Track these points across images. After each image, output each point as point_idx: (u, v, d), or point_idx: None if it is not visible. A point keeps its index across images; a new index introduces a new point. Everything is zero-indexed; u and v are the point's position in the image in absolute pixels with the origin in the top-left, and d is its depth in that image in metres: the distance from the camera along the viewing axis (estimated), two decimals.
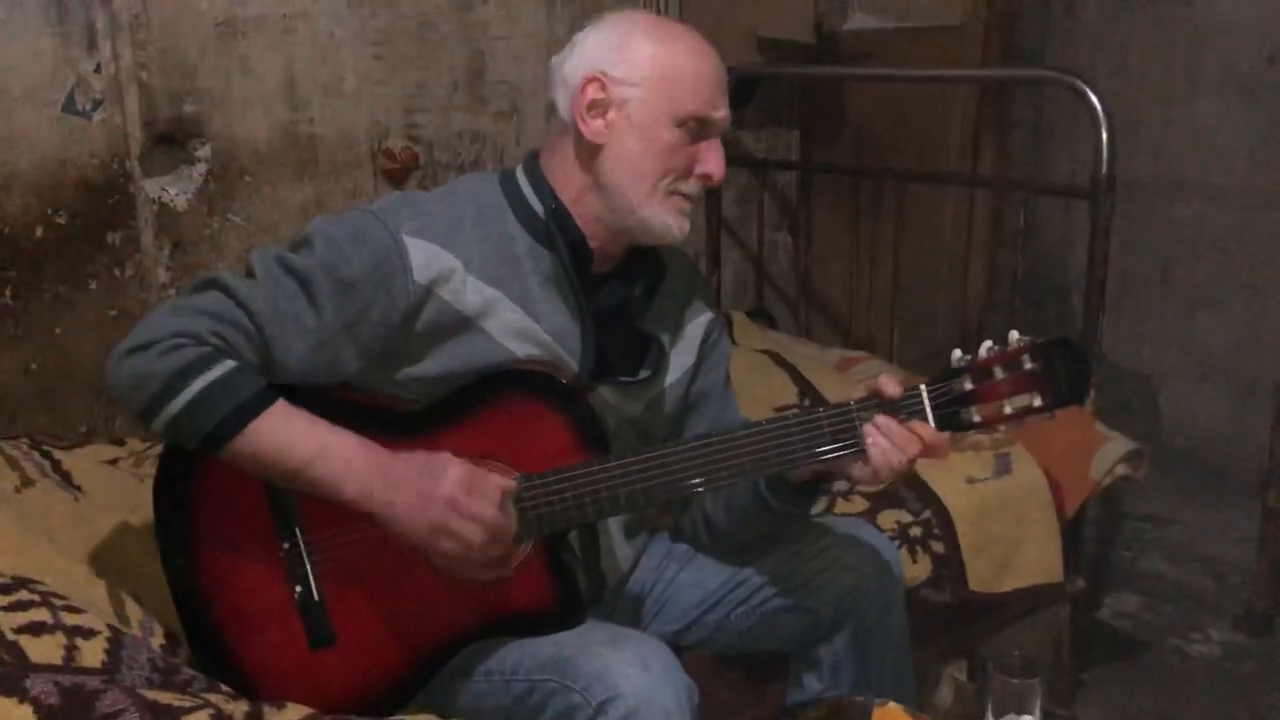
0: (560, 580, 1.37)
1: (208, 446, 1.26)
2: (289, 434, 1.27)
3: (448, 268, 1.33)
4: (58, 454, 1.72)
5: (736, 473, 1.33)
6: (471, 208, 1.38)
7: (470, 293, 1.34)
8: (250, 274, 1.32)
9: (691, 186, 1.39)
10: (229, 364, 1.26)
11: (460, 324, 1.34)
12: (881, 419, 1.30)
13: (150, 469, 1.39)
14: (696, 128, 1.36)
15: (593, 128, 1.36)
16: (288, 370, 1.31)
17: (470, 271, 1.34)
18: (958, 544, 1.96)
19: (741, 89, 2.89)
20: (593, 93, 1.35)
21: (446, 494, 1.25)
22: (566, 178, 1.40)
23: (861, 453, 1.32)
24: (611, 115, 1.35)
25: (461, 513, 1.26)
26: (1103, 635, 2.58)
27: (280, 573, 1.35)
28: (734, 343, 2.49)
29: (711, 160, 1.38)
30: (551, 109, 1.41)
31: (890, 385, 1.32)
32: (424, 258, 1.31)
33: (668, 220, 1.38)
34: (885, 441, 1.29)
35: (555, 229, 1.38)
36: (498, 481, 1.29)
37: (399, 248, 1.30)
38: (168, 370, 1.24)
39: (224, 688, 1.32)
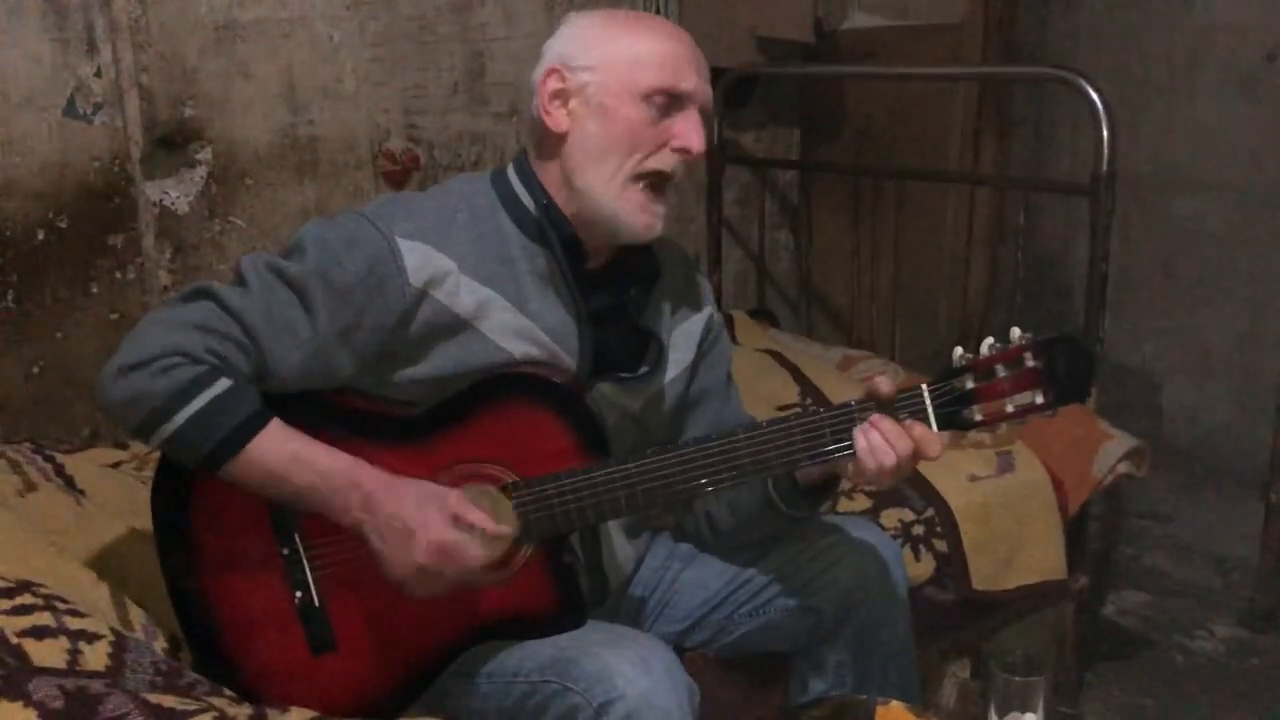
0: (562, 582, 1.37)
1: (203, 468, 1.26)
2: (284, 459, 1.26)
3: (442, 269, 1.32)
4: (60, 458, 1.72)
5: (737, 475, 1.33)
6: (464, 208, 1.38)
7: (465, 293, 1.34)
8: (241, 281, 1.31)
9: (668, 161, 1.35)
10: (224, 384, 1.25)
11: (455, 325, 1.34)
12: (874, 418, 1.30)
13: (152, 472, 1.39)
14: (666, 102, 1.34)
15: (555, 118, 1.36)
16: (283, 378, 1.30)
17: (464, 272, 1.34)
18: (960, 542, 1.96)
19: (741, 88, 2.90)
20: (553, 84, 1.36)
21: (418, 560, 1.26)
22: (547, 176, 1.40)
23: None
24: (573, 104, 1.36)
25: (428, 578, 1.27)
26: (1106, 633, 2.57)
27: (280, 578, 1.35)
28: (736, 342, 2.49)
29: (686, 132, 1.34)
30: (528, 112, 1.42)
31: (887, 386, 1.31)
32: (418, 260, 1.31)
33: (636, 217, 1.35)
34: (877, 439, 1.28)
35: (548, 226, 1.38)
36: (475, 554, 1.28)
37: (393, 250, 1.30)
38: (163, 391, 1.23)
39: (227, 691, 1.32)
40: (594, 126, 1.35)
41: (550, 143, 1.38)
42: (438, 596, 1.30)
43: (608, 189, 1.35)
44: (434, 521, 1.26)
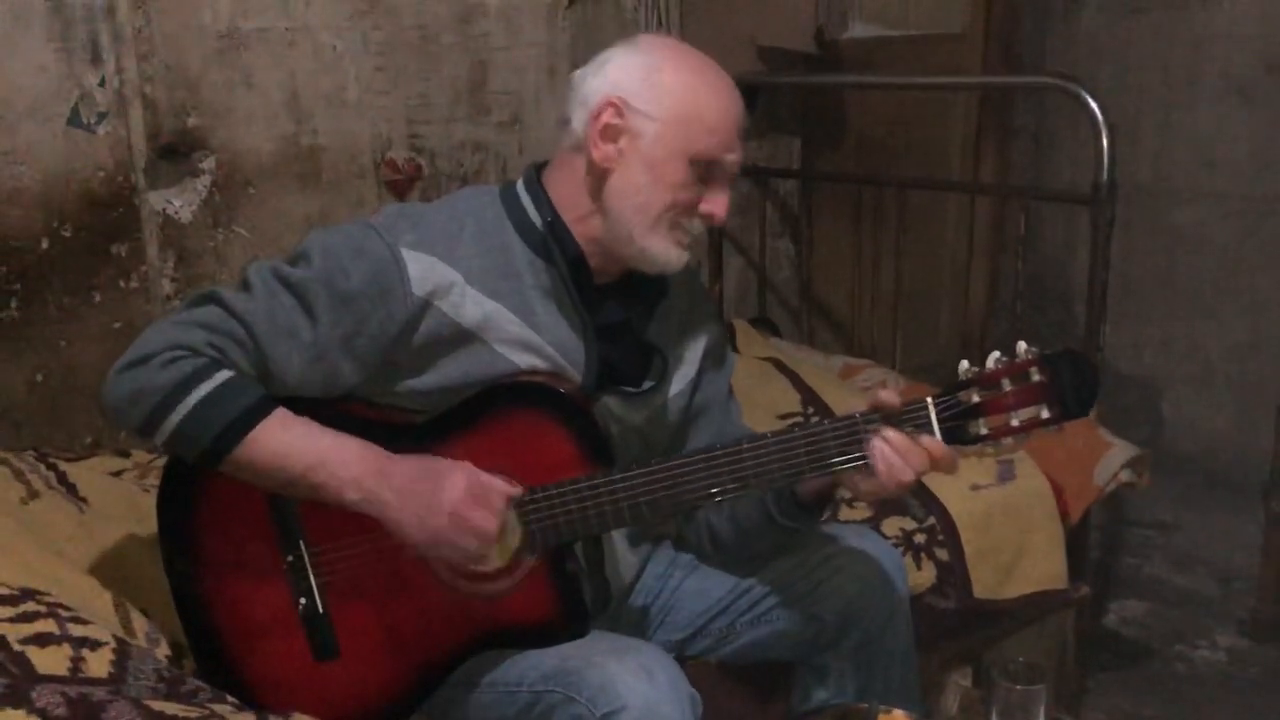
0: (565, 591, 1.37)
1: (210, 457, 1.26)
2: (290, 441, 1.27)
3: (446, 280, 1.33)
4: (63, 466, 1.72)
5: (741, 486, 1.33)
6: (471, 220, 1.38)
7: (469, 305, 1.34)
8: (246, 286, 1.32)
9: (694, 224, 1.38)
10: (226, 374, 1.26)
11: (460, 336, 1.34)
12: (889, 433, 1.29)
13: (155, 480, 1.39)
14: (706, 168, 1.35)
15: (603, 152, 1.34)
16: (285, 383, 1.31)
17: (470, 284, 1.34)
18: (962, 551, 1.96)
19: (742, 98, 2.90)
20: (608, 117, 1.33)
21: (450, 503, 1.26)
22: (571, 196, 1.39)
23: (867, 466, 1.31)
24: (624, 143, 1.34)
25: (464, 523, 1.26)
26: (1108, 642, 2.58)
27: (284, 585, 1.35)
28: (737, 351, 2.50)
29: (717, 202, 1.37)
30: (565, 122, 1.39)
31: (893, 398, 1.31)
32: (421, 270, 1.31)
33: (668, 252, 1.37)
34: (893, 456, 1.28)
35: (553, 243, 1.38)
36: (502, 489, 1.29)
37: (397, 260, 1.30)
38: (166, 383, 1.24)
39: (230, 699, 1.32)
40: (640, 178, 1.34)
41: (589, 171, 1.37)
42: (466, 553, 1.28)
43: (641, 232, 1.35)
44: (456, 468, 1.27)
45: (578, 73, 1.39)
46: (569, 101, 1.39)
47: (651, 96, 1.33)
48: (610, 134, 1.34)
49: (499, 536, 1.29)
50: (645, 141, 1.33)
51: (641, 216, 1.35)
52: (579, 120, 1.36)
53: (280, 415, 1.27)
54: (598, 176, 1.36)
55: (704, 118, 1.34)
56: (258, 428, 1.26)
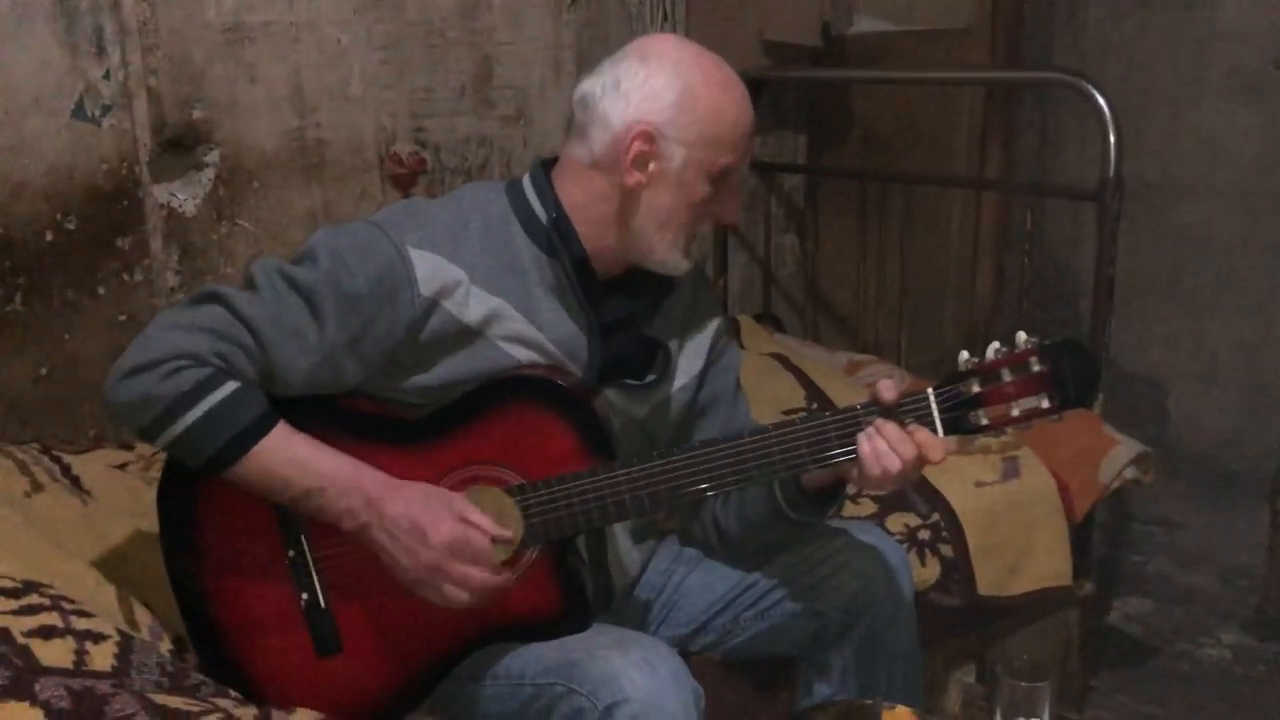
0: (567, 586, 1.38)
1: (209, 470, 1.27)
2: (289, 462, 1.27)
3: (452, 279, 1.32)
4: (67, 458, 1.72)
5: (743, 478, 1.33)
6: (476, 217, 1.38)
7: (474, 303, 1.34)
8: (251, 286, 1.31)
9: (706, 224, 1.42)
10: (230, 387, 1.26)
11: (465, 334, 1.34)
12: (878, 422, 1.30)
13: (159, 473, 1.39)
14: (722, 177, 1.37)
15: (635, 178, 1.35)
16: (290, 384, 1.31)
17: (475, 282, 1.34)
18: (966, 547, 1.96)
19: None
20: (641, 145, 1.33)
21: (431, 558, 1.26)
22: (586, 207, 1.38)
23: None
24: (653, 168, 1.34)
25: (444, 575, 1.27)
26: (1112, 639, 2.57)
27: (286, 580, 1.35)
28: (741, 347, 2.49)
29: (730, 208, 1.41)
30: (580, 135, 1.37)
31: (890, 390, 1.31)
32: (428, 269, 1.31)
33: (679, 263, 1.40)
34: (881, 443, 1.28)
35: (557, 239, 1.38)
36: (486, 548, 1.29)
37: (403, 260, 1.30)
38: (169, 394, 1.24)
39: (233, 693, 1.32)
40: (666, 198, 1.36)
41: (616, 192, 1.37)
42: (450, 602, 1.29)
43: (663, 247, 1.38)
44: (444, 518, 1.27)
45: (588, 86, 1.37)
46: (584, 114, 1.37)
47: (682, 123, 1.33)
48: (640, 160, 1.34)
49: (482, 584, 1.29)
50: (675, 165, 1.34)
51: (664, 232, 1.37)
52: (600, 142, 1.35)
53: (282, 433, 1.28)
54: (626, 197, 1.37)
55: (728, 137, 1.35)
56: (259, 444, 1.26)
